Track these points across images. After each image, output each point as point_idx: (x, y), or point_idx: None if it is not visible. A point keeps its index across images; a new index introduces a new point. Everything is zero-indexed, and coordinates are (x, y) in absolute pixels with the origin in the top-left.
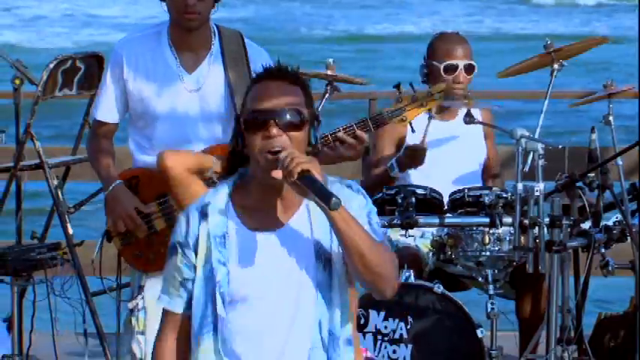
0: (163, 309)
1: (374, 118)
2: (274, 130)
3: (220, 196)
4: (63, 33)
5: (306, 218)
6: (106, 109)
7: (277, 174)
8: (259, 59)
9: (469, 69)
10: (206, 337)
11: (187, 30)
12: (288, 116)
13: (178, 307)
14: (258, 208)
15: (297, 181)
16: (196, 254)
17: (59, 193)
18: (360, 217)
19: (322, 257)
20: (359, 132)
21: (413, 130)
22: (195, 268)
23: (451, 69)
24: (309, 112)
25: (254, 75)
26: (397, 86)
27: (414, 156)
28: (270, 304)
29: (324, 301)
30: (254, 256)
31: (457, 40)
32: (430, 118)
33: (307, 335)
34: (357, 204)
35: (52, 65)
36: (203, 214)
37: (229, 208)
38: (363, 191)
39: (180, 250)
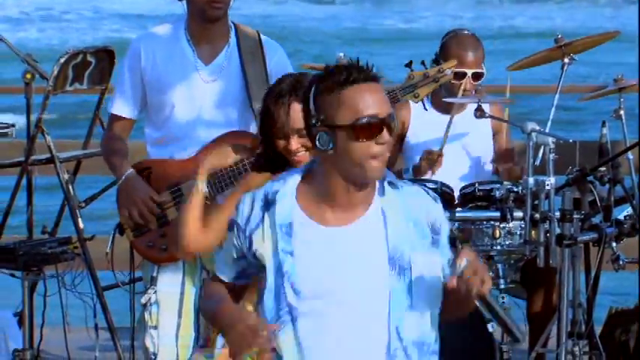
0: (212, 274)
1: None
2: (387, 137)
3: (288, 186)
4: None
5: (379, 220)
6: (123, 104)
7: (452, 284)
8: (275, 56)
9: (477, 76)
10: (285, 329)
11: (210, 21)
12: (393, 121)
13: (227, 277)
14: (328, 205)
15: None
16: (251, 243)
17: (70, 187)
18: (443, 225)
19: (396, 263)
20: None
21: (425, 108)
22: (243, 253)
23: (459, 76)
24: None
25: (333, 73)
26: (409, 64)
27: (432, 160)
28: (333, 301)
29: (401, 308)
30: (317, 251)
31: (469, 45)
32: (449, 124)
33: (383, 338)
34: (439, 213)
35: (62, 60)
36: (268, 203)
37: (295, 200)
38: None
39: (235, 231)
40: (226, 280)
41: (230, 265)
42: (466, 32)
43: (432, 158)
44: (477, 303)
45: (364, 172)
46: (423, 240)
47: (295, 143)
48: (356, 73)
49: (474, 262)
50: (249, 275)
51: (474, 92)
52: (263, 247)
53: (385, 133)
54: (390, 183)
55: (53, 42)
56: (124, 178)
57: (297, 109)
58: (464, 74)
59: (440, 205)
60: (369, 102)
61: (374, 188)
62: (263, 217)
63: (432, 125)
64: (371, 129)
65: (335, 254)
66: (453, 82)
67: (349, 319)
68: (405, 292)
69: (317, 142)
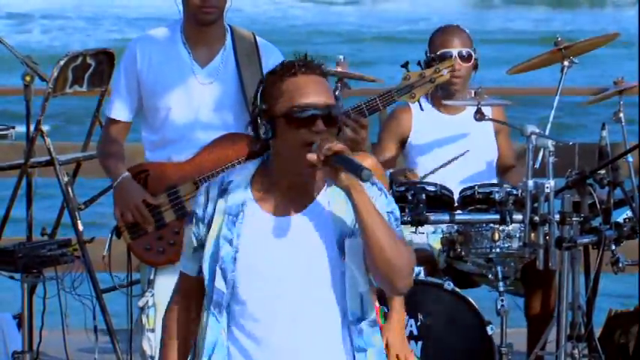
0: (180, 271)
1: (382, 97)
2: (321, 126)
3: (242, 177)
4: None
5: (324, 208)
6: (119, 107)
7: (312, 157)
8: (271, 56)
9: (465, 57)
10: (211, 314)
11: (203, 24)
12: (332, 112)
13: (191, 271)
14: (278, 194)
15: (331, 161)
16: (209, 229)
17: (69, 189)
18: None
19: (342, 247)
20: (355, 116)
21: (422, 108)
22: (202, 242)
23: (445, 57)
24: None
25: (279, 67)
26: (405, 65)
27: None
28: (277, 286)
29: (343, 290)
30: (266, 239)
31: (453, 31)
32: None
33: (324, 322)
34: (379, 203)
35: (62, 62)
36: (222, 191)
37: (249, 190)
38: (387, 192)
39: (194, 221)
40: (192, 274)
41: (191, 259)
42: (451, 24)
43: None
44: (334, 162)
45: (300, 161)
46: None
47: None
48: (298, 66)
49: (323, 136)
50: None
51: (473, 92)
52: (209, 234)
53: (319, 122)
54: None
55: (55, 44)
56: (118, 181)
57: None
58: (450, 55)
59: (383, 196)
60: (305, 91)
61: (321, 178)
62: (216, 204)
63: (435, 126)
64: (305, 117)
65: (280, 241)
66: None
67: (294, 306)
68: (346, 274)
69: (260, 132)
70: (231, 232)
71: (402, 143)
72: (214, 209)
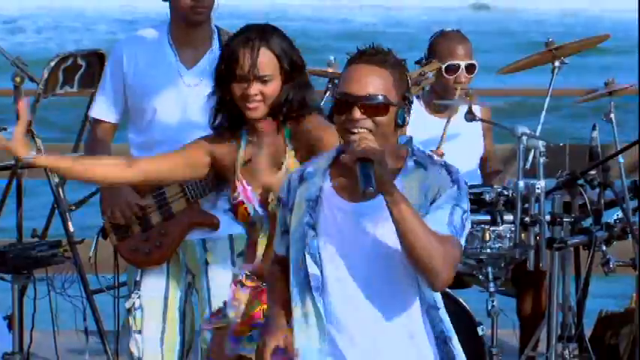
0: (274, 251)
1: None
2: (357, 114)
3: (320, 164)
4: None
5: (416, 187)
6: (104, 108)
7: (344, 158)
8: None
9: (470, 68)
10: (308, 299)
11: (193, 25)
12: (372, 101)
13: (281, 252)
14: (354, 180)
15: (355, 163)
16: (291, 215)
17: (60, 190)
18: (444, 204)
19: None
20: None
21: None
22: (288, 226)
23: (452, 69)
24: (397, 94)
25: (348, 56)
26: None
27: None
28: (352, 269)
29: (409, 275)
30: (341, 225)
31: (458, 40)
32: (447, 124)
33: (402, 305)
34: (446, 193)
35: (53, 63)
36: (301, 179)
37: (327, 176)
38: (462, 183)
39: (281, 205)
40: (282, 254)
41: (280, 239)
42: (451, 29)
43: None
44: (356, 165)
45: (347, 147)
46: (420, 211)
47: (254, 89)
48: (363, 55)
49: (361, 135)
50: None
51: (464, 94)
52: (293, 220)
53: (356, 111)
54: (416, 162)
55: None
56: None
57: (264, 54)
58: (457, 67)
59: (455, 187)
60: (352, 80)
61: (398, 164)
62: (296, 192)
63: (428, 126)
64: (341, 105)
65: (354, 227)
66: (446, 76)
67: (370, 290)
68: None
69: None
70: (312, 217)
71: None
72: (295, 195)
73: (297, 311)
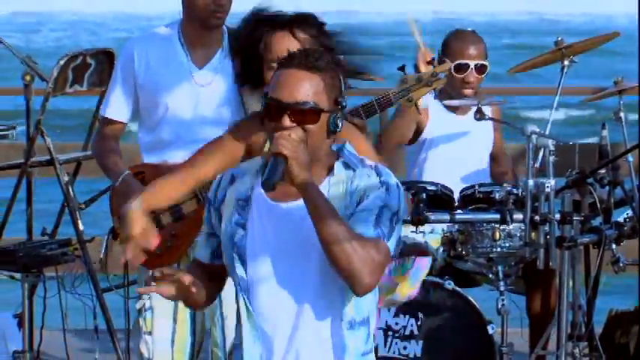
0: (193, 257)
1: (379, 100)
2: (287, 122)
3: (253, 164)
4: None
5: (325, 195)
6: (115, 107)
7: (265, 154)
8: None
9: (480, 69)
10: (239, 298)
11: (210, 29)
12: (301, 109)
13: (204, 257)
14: (283, 181)
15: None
16: (221, 216)
17: (70, 189)
18: (370, 206)
19: None
20: (356, 120)
21: (419, 112)
22: (213, 226)
23: (462, 68)
24: (329, 99)
25: (278, 60)
26: (402, 68)
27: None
28: (280, 272)
29: (331, 280)
30: (267, 224)
31: (471, 39)
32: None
33: (325, 314)
34: (373, 194)
35: (62, 62)
36: (232, 179)
37: (258, 177)
38: (393, 186)
39: (207, 206)
40: (204, 261)
41: (204, 244)
42: (467, 29)
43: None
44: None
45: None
46: (346, 212)
47: None
48: (293, 59)
49: (283, 133)
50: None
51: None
52: (222, 220)
53: (285, 118)
54: (344, 164)
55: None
56: (121, 179)
57: (299, 38)
58: (466, 67)
59: (383, 189)
60: (279, 85)
61: (326, 168)
62: (226, 192)
63: (446, 125)
64: (270, 111)
65: (277, 227)
66: (456, 75)
67: (285, 294)
68: None
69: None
70: (242, 216)
71: (417, 132)
72: (224, 195)
73: (239, 310)
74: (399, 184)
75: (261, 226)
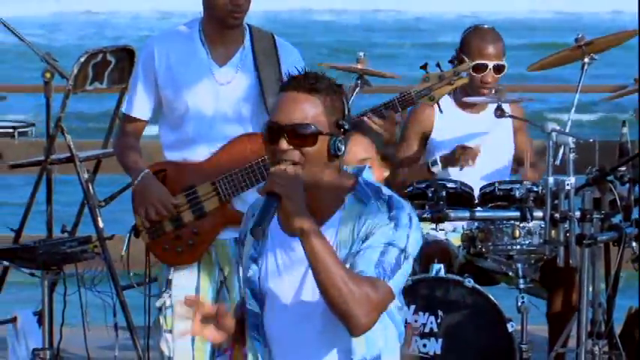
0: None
1: (401, 98)
2: (284, 145)
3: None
4: None
5: (334, 230)
6: (136, 105)
7: (260, 191)
8: (290, 58)
9: (498, 69)
10: (251, 338)
11: (229, 28)
12: (298, 131)
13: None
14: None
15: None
16: (243, 250)
17: (90, 186)
18: (375, 244)
19: None
20: (387, 111)
21: (441, 111)
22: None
23: (480, 68)
24: (329, 122)
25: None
26: (424, 66)
27: (465, 155)
28: (288, 309)
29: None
30: (278, 258)
31: (490, 38)
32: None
33: (326, 349)
34: (380, 232)
35: (82, 59)
36: (253, 212)
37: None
38: (404, 220)
39: (237, 239)
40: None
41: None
42: (486, 26)
43: (468, 154)
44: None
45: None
46: (351, 249)
47: None
48: (293, 81)
49: (277, 169)
50: None
51: (493, 91)
52: (244, 255)
53: (282, 141)
54: (356, 197)
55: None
56: (139, 178)
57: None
58: (485, 67)
59: (391, 225)
60: (279, 108)
61: (339, 199)
62: (247, 226)
63: (456, 124)
64: (268, 134)
65: (287, 262)
66: (474, 74)
67: (298, 329)
68: None
69: None
70: (256, 251)
71: (425, 140)
72: (246, 232)
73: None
74: (413, 217)
75: (274, 259)
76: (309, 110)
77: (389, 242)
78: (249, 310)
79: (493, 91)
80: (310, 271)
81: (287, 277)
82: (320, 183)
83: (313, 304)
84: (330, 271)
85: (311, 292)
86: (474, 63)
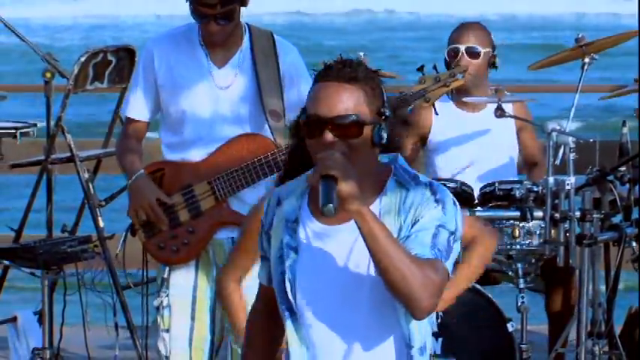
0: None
1: (397, 100)
2: (329, 137)
3: (299, 184)
4: None
5: (396, 208)
6: (136, 107)
7: (310, 179)
8: (288, 55)
9: (472, 54)
10: (287, 323)
11: (212, 47)
12: (343, 122)
13: (262, 279)
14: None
15: (318, 181)
16: (269, 238)
17: (90, 186)
18: (427, 226)
19: None
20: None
21: (436, 113)
22: (264, 249)
23: (453, 53)
24: (371, 111)
25: (313, 73)
26: (420, 68)
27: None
28: (327, 299)
29: (385, 305)
30: (316, 246)
31: (469, 27)
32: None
33: (377, 341)
34: (429, 215)
35: (83, 58)
36: (279, 200)
37: (305, 198)
38: (450, 204)
39: (260, 229)
40: (263, 283)
41: (262, 267)
42: (471, 21)
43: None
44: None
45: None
46: (401, 233)
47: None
48: (330, 71)
49: (328, 153)
50: None
51: (494, 90)
52: (272, 242)
53: (327, 134)
54: (397, 182)
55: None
56: (134, 178)
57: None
58: (457, 51)
59: (439, 208)
60: (319, 100)
61: (378, 186)
62: (274, 214)
63: (455, 124)
64: (310, 127)
65: (326, 251)
66: (449, 61)
67: (337, 318)
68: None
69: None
70: (293, 239)
71: (423, 141)
72: (272, 218)
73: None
74: (456, 202)
75: (310, 250)
76: (351, 100)
77: (440, 224)
78: (288, 301)
79: (494, 91)
80: (352, 257)
81: (327, 269)
82: (364, 170)
83: (357, 290)
84: (390, 253)
85: (353, 279)
86: (448, 48)
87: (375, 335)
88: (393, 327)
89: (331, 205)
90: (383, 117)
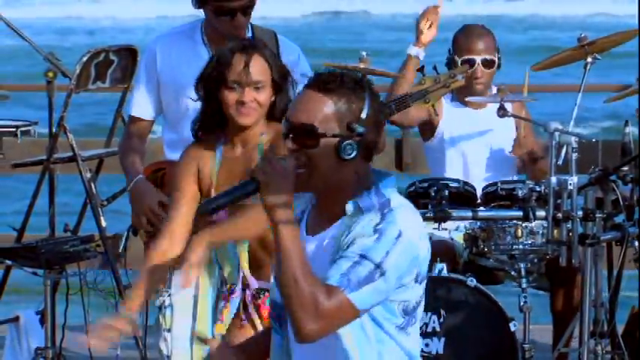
0: None
1: (397, 102)
2: (289, 145)
3: (304, 198)
4: None
5: (342, 229)
6: (140, 105)
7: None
8: (290, 54)
9: (487, 64)
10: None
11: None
12: (299, 131)
13: None
14: (315, 212)
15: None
16: None
17: (92, 185)
18: (349, 254)
19: None
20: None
21: (436, 114)
22: None
23: (468, 64)
24: (339, 125)
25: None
26: (420, 69)
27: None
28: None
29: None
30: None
31: (478, 34)
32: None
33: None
34: (359, 243)
35: (85, 58)
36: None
37: (308, 206)
38: (388, 235)
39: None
40: None
41: None
42: (476, 24)
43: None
44: None
45: None
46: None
47: (249, 95)
48: (312, 79)
49: (269, 158)
50: None
51: (494, 90)
52: None
53: (289, 140)
54: (356, 206)
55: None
56: (133, 183)
57: (258, 62)
58: (473, 62)
59: (374, 237)
60: (291, 106)
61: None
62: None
63: (463, 119)
64: (283, 130)
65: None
66: (458, 64)
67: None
68: None
69: None
70: None
71: (431, 126)
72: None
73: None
74: (403, 237)
75: None
76: (318, 111)
77: (363, 254)
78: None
79: (494, 90)
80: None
81: None
82: (329, 186)
83: None
84: (287, 265)
85: None
86: (461, 59)
87: (324, 354)
88: (337, 351)
89: (211, 205)
90: (353, 133)
